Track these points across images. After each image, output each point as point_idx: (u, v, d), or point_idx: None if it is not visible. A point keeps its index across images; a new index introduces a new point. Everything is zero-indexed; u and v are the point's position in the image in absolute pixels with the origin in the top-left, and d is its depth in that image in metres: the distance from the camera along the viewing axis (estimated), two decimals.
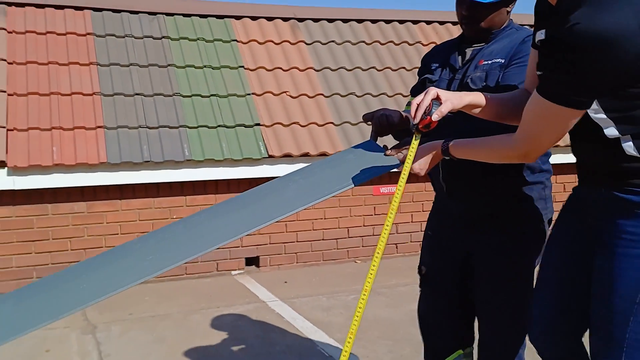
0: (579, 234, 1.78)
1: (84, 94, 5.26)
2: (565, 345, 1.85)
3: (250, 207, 2.05)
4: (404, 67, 6.49)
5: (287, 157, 5.43)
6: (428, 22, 7.02)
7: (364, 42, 6.64)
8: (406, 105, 2.36)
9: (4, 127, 4.80)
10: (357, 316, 1.66)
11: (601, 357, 1.64)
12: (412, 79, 5.84)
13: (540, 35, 1.66)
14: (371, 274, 1.69)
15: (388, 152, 1.99)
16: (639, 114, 1.53)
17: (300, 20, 6.62)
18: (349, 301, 4.66)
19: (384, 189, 6.03)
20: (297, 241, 5.82)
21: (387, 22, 6.88)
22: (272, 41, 6.30)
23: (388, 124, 2.11)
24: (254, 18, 6.44)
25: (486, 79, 2.07)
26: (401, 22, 6.94)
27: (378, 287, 5.04)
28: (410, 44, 6.75)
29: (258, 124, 5.55)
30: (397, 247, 6.09)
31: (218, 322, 4.22)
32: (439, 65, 2.26)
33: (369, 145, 2.12)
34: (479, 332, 2.28)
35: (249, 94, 5.75)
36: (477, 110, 1.86)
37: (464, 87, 2.11)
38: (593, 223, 1.70)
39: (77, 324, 4.20)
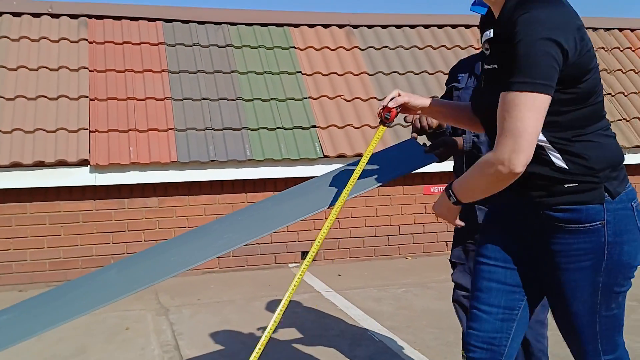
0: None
1: (156, 99, 5.75)
2: None
3: (309, 195, 2.40)
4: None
5: (341, 157, 5.76)
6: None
7: (416, 46, 6.91)
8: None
9: (87, 129, 5.33)
10: (275, 321, 1.87)
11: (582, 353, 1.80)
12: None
13: (488, 34, 1.74)
14: (300, 275, 1.90)
15: (426, 149, 2.31)
16: (563, 120, 1.62)
17: (355, 27, 6.95)
18: (398, 293, 4.95)
19: (434, 188, 6.28)
20: (350, 237, 6.15)
21: (440, 27, 7.13)
22: (328, 47, 6.66)
23: (427, 125, 2.43)
24: (311, 26, 6.82)
25: None
26: (453, 26, 7.18)
27: (428, 281, 5.32)
28: (462, 48, 6.97)
29: (314, 126, 5.91)
30: (446, 245, 6.33)
31: (277, 308, 4.59)
32: (465, 75, 2.56)
33: (410, 144, 2.45)
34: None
35: (305, 98, 6.12)
36: (438, 114, 2.08)
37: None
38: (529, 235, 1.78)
39: (152, 307, 4.66)
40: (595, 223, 1.65)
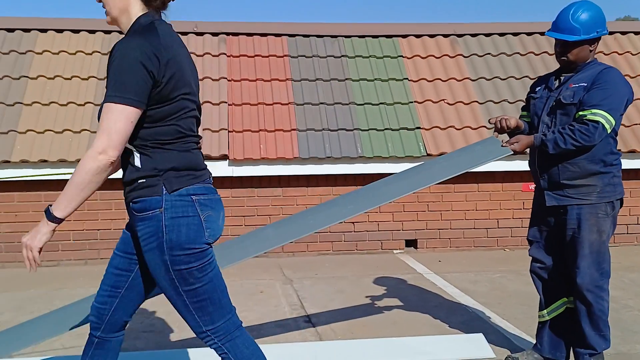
0: None
1: (282, 104, 6.68)
2: None
3: (411, 179, 3.17)
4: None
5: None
6: None
7: (518, 53, 7.38)
8: (521, 110, 3.37)
9: (226, 129, 6.35)
10: None
11: None
12: None
13: None
14: None
15: (503, 143, 2.99)
16: (142, 133, 2.03)
17: (459, 35, 7.54)
18: (494, 278, 5.51)
19: (532, 185, 6.73)
20: (451, 228, 6.76)
21: (542, 34, 7.54)
22: (433, 55, 7.31)
23: (505, 126, 3.11)
24: (418, 36, 7.50)
25: (573, 97, 2.98)
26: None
27: (523, 269, 5.73)
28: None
29: (419, 127, 6.58)
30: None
31: (383, 283, 5.33)
32: (541, 88, 3.21)
33: (491, 140, 3.14)
34: (573, 278, 3.11)
35: (411, 102, 6.81)
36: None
37: (557, 101, 3.04)
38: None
39: (279, 278, 5.57)
40: (154, 210, 2.04)
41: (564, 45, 3.06)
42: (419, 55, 7.30)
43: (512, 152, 3.11)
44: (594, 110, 2.94)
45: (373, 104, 6.79)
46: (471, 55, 7.33)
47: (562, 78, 3.16)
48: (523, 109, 3.45)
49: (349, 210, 3.05)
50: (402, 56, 7.28)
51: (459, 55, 7.34)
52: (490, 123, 3.27)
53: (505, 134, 3.28)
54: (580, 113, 2.98)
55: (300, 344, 3.83)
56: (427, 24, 7.60)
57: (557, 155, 3.04)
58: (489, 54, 7.33)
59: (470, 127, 6.64)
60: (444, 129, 6.62)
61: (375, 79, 7.02)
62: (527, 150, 3.20)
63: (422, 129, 6.60)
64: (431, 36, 7.51)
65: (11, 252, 6.14)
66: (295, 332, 4.09)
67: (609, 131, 2.95)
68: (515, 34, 7.53)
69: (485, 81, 7.07)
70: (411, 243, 6.78)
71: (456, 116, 6.74)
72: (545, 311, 3.31)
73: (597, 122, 2.92)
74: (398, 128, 6.59)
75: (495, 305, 4.65)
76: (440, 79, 7.07)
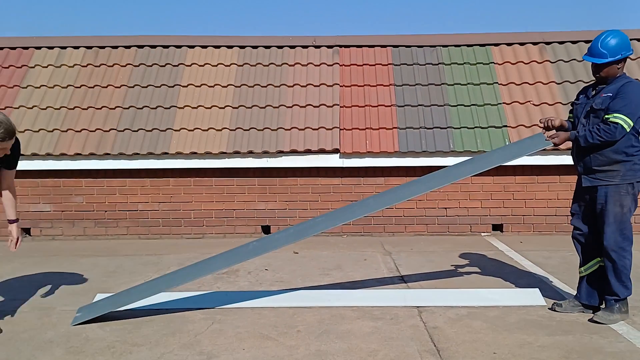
0: None
1: (385, 106, 7.84)
2: None
3: (476, 163, 4.27)
4: (636, 79, 7.76)
5: None
6: None
7: None
8: (569, 113, 4.32)
9: (338, 128, 7.61)
10: None
11: None
12: None
13: None
14: None
15: (547, 138, 4.01)
16: None
17: (548, 43, 8.33)
18: (566, 256, 6.31)
19: None
20: (534, 215, 7.61)
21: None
22: (522, 61, 8.16)
23: (551, 125, 4.10)
24: (509, 44, 8.38)
25: (602, 104, 3.93)
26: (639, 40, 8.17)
27: None
28: (632, 59, 7.96)
29: (505, 126, 7.49)
30: None
31: (468, 257, 6.33)
32: (582, 96, 4.17)
33: (538, 136, 4.16)
34: (601, 241, 4.04)
35: (500, 103, 7.72)
36: None
37: (591, 107, 3.99)
38: None
39: (379, 250, 6.74)
40: None
41: (596, 66, 4.02)
42: (509, 62, 8.19)
43: (553, 145, 4.11)
44: (615, 114, 3.87)
45: (465, 105, 7.77)
46: (557, 60, 8.10)
47: (598, 89, 4.11)
48: (570, 112, 4.40)
49: (425, 187, 4.19)
50: (493, 62, 8.19)
51: (546, 61, 8.14)
52: (540, 122, 4.27)
53: (553, 131, 4.27)
54: (606, 116, 3.92)
55: (393, 290, 4.99)
56: (518, 33, 8.45)
57: (589, 148, 3.99)
58: (574, 59, 8.07)
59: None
60: (529, 127, 7.47)
61: (468, 83, 7.99)
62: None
63: (508, 127, 7.49)
64: (521, 44, 8.36)
65: (167, 226, 7.75)
66: (391, 286, 5.24)
67: (627, 130, 3.86)
68: None
69: (570, 84, 7.83)
70: (497, 227, 7.70)
71: (541, 115, 7.54)
72: (582, 268, 4.25)
73: (617, 123, 3.85)
74: (487, 126, 7.53)
75: (560, 273, 5.55)
76: (527, 83, 7.92)
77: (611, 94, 3.94)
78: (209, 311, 4.49)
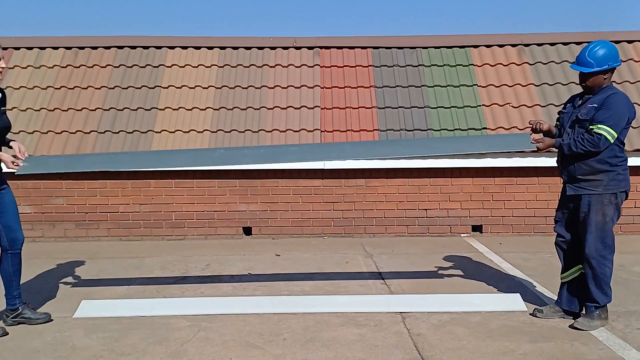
0: None
1: (366, 107, 7.89)
2: None
3: (457, 143, 4.43)
4: (614, 81, 7.90)
5: (506, 154, 7.37)
6: None
7: None
8: (556, 120, 4.39)
9: (319, 129, 7.64)
10: None
11: None
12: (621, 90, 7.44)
13: None
14: None
15: (532, 140, 4.11)
16: None
17: (526, 45, 8.45)
18: (544, 257, 6.44)
19: None
20: (513, 216, 7.74)
21: None
22: (501, 63, 8.27)
23: (539, 128, 4.19)
24: (488, 46, 8.48)
25: (587, 114, 4.01)
26: (617, 42, 8.31)
27: None
28: (623, 61, 8.10)
29: (485, 128, 7.58)
30: None
31: (448, 259, 6.43)
32: (569, 105, 4.25)
33: (524, 136, 4.28)
34: (583, 249, 4.14)
35: (479, 105, 7.82)
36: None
37: (577, 116, 4.07)
38: None
39: (361, 253, 6.80)
40: None
41: (582, 75, 4.10)
42: (488, 64, 8.29)
43: (537, 149, 4.22)
44: (599, 125, 3.96)
45: (445, 107, 7.85)
46: (536, 62, 8.23)
47: (584, 99, 4.19)
48: (557, 119, 4.48)
49: (405, 151, 4.43)
50: (473, 64, 8.29)
51: (525, 63, 8.26)
52: (530, 123, 4.37)
53: (540, 135, 4.36)
54: (590, 127, 4.01)
55: (376, 295, 5.05)
56: (497, 35, 8.55)
57: (573, 157, 4.08)
58: (552, 61, 8.20)
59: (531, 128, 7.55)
60: (508, 129, 7.57)
61: (448, 85, 8.08)
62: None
63: (488, 129, 7.59)
64: (500, 46, 8.47)
65: (148, 228, 7.72)
66: (373, 289, 5.30)
67: (611, 141, 3.96)
68: (578, 43, 8.34)
69: (548, 86, 7.96)
70: (477, 228, 7.81)
71: (519, 118, 7.68)
72: (564, 274, 4.35)
73: (600, 134, 3.94)
74: (467, 128, 7.62)
75: (538, 276, 5.66)
76: (506, 85, 8.03)
77: (596, 105, 4.02)
78: (194, 318, 4.50)
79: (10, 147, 4.22)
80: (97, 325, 4.35)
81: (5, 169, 4.21)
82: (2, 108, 4.18)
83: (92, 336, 4.14)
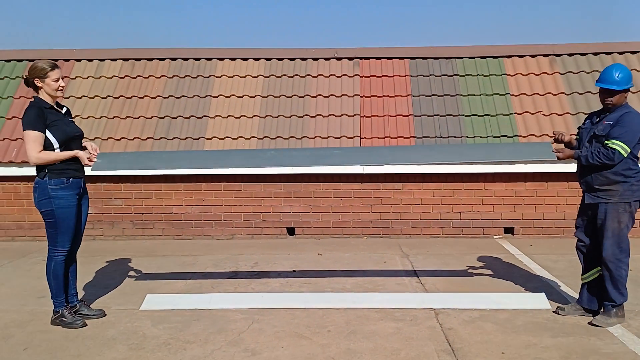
0: None
1: (403, 115, 8.33)
2: None
3: (485, 150, 4.87)
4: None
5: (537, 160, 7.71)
6: None
7: None
8: (576, 135, 4.78)
9: (359, 137, 8.11)
10: None
11: None
12: None
13: None
14: None
15: (553, 150, 4.52)
16: None
17: (558, 55, 8.76)
18: (573, 259, 6.69)
19: None
20: (544, 219, 8.08)
21: (633, 53, 8.58)
22: (533, 73, 8.61)
23: (561, 139, 4.61)
24: (520, 56, 8.82)
25: (604, 130, 4.40)
26: (621, 53, 8.60)
27: None
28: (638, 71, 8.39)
29: (517, 135, 7.94)
30: None
31: (481, 259, 6.83)
32: (588, 121, 4.64)
33: (547, 145, 4.70)
34: (601, 252, 4.53)
35: (512, 114, 8.18)
36: None
37: (595, 132, 4.46)
38: None
39: (398, 253, 7.26)
40: None
41: (610, 92, 4.48)
42: (520, 73, 8.63)
43: (557, 158, 4.63)
44: (614, 141, 4.35)
45: (479, 115, 8.24)
46: (567, 72, 8.54)
47: (602, 116, 4.58)
48: (577, 134, 4.87)
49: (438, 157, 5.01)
50: (505, 74, 8.65)
51: (556, 72, 8.58)
52: (553, 134, 4.78)
53: (561, 145, 4.77)
54: (606, 142, 4.40)
55: (411, 293, 5.51)
56: (529, 46, 8.88)
57: (590, 168, 4.48)
58: (583, 71, 8.50)
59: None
60: (539, 136, 7.92)
61: (482, 94, 8.45)
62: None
63: (519, 136, 7.95)
64: (532, 56, 8.80)
65: (199, 228, 8.32)
66: (409, 287, 5.76)
67: (625, 156, 4.34)
68: (607, 53, 8.62)
69: (578, 95, 8.26)
70: (509, 230, 8.18)
71: (550, 125, 8.01)
72: (584, 276, 4.76)
73: (614, 149, 4.33)
74: (499, 135, 7.99)
75: (565, 277, 6.04)
76: (538, 94, 8.36)
77: (612, 122, 4.42)
78: (247, 311, 5.03)
79: (86, 149, 4.76)
80: (162, 316, 4.92)
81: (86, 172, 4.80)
82: (70, 118, 4.76)
83: (159, 326, 4.70)
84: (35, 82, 4.51)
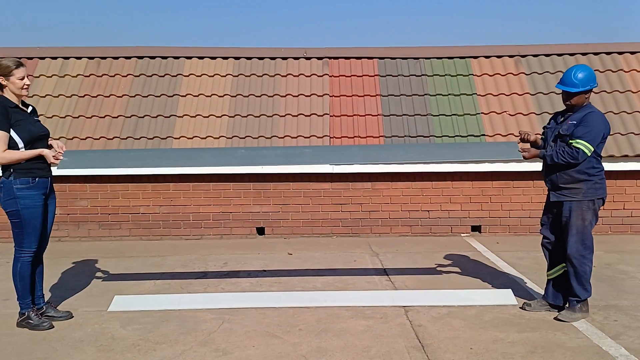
0: None
1: (372, 115, 8.39)
2: None
3: (455, 150, 4.96)
4: (604, 90, 8.40)
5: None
6: (632, 53, 8.76)
7: None
8: (541, 134, 4.88)
9: (328, 136, 8.14)
10: None
11: None
12: (612, 100, 7.98)
13: None
14: None
15: (519, 149, 4.61)
16: None
17: (523, 56, 8.93)
18: (538, 256, 6.86)
19: None
20: (510, 217, 8.23)
21: (595, 54, 8.81)
22: (499, 73, 8.76)
23: (526, 139, 4.70)
24: (487, 57, 8.96)
25: (567, 130, 4.50)
26: (608, 53, 8.80)
27: None
28: (613, 71, 8.60)
29: (484, 134, 8.07)
30: None
31: (449, 257, 6.93)
32: (553, 121, 4.74)
33: (513, 145, 4.77)
34: (565, 249, 4.64)
35: (478, 113, 8.31)
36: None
37: (559, 132, 4.56)
38: None
39: (367, 251, 7.30)
40: None
41: (567, 94, 4.59)
42: (487, 74, 8.77)
43: (523, 158, 4.72)
44: (577, 140, 4.46)
45: (446, 115, 8.34)
46: (532, 73, 8.72)
47: (566, 116, 4.68)
48: (542, 133, 4.97)
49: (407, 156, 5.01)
50: (472, 74, 8.78)
51: (521, 73, 8.74)
52: (519, 133, 4.87)
53: (527, 145, 4.86)
54: (570, 141, 4.51)
55: (382, 291, 5.56)
56: (495, 46, 9.03)
57: (555, 167, 4.58)
58: (547, 71, 8.68)
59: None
60: (505, 135, 8.06)
61: (449, 94, 8.57)
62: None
63: (486, 135, 8.08)
64: (498, 57, 8.96)
65: (167, 228, 8.24)
66: (379, 285, 5.80)
67: (588, 155, 4.45)
68: (571, 54, 8.83)
69: (543, 95, 8.44)
70: (476, 228, 8.30)
71: (515, 125, 8.16)
72: (549, 272, 4.86)
73: (578, 148, 4.44)
74: (466, 135, 8.11)
75: (531, 274, 6.16)
76: (504, 94, 8.51)
77: (575, 122, 4.52)
78: (217, 311, 5.00)
79: (52, 147, 4.66)
80: (131, 318, 4.86)
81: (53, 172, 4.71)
82: (36, 118, 4.67)
83: (128, 327, 4.64)
84: (0, 80, 4.40)
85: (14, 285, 4.58)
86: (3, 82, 4.41)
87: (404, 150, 5.52)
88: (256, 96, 8.61)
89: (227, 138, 8.14)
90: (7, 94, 4.44)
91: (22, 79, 4.43)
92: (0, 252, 7.33)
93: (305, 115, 8.39)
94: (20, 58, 8.80)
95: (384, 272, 6.31)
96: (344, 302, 5.17)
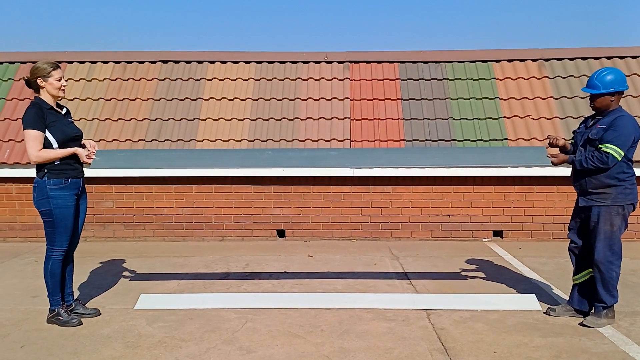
0: None
1: (393, 119, 8.40)
2: None
3: (481, 154, 4.93)
4: (630, 95, 8.32)
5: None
6: None
7: None
8: (571, 139, 4.86)
9: (349, 139, 8.17)
10: None
11: None
12: (638, 104, 7.88)
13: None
14: None
15: (548, 155, 4.59)
16: None
17: (546, 60, 8.89)
18: (561, 262, 6.88)
19: None
20: (532, 222, 8.17)
21: (621, 57, 8.73)
22: (522, 77, 8.72)
23: (555, 143, 4.69)
24: (509, 61, 8.93)
25: (597, 134, 4.49)
26: (634, 57, 8.72)
27: None
28: (627, 75, 8.52)
29: (506, 139, 8.05)
30: None
31: (470, 262, 6.91)
32: (582, 126, 4.73)
33: (542, 150, 4.76)
34: (593, 254, 4.61)
35: (501, 117, 8.28)
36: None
37: (589, 136, 4.54)
38: None
39: (388, 255, 7.31)
40: None
41: (591, 96, 4.57)
42: (509, 77, 8.74)
43: (552, 164, 4.69)
44: (607, 145, 4.43)
45: (468, 119, 8.33)
46: (556, 77, 8.67)
47: (595, 120, 4.66)
48: (572, 138, 4.94)
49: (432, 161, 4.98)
50: (494, 78, 8.75)
51: (544, 77, 8.70)
52: (547, 138, 4.85)
53: (556, 150, 4.84)
54: (600, 145, 4.48)
55: (403, 294, 5.57)
56: (518, 50, 9.00)
57: (584, 172, 4.55)
58: (571, 75, 8.63)
59: None
60: (528, 140, 8.03)
61: (471, 98, 8.55)
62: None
63: (509, 140, 8.06)
64: (521, 60, 8.92)
65: (190, 230, 8.33)
66: (400, 289, 5.81)
67: (619, 159, 4.41)
68: (596, 58, 8.76)
69: (567, 99, 8.39)
70: (498, 233, 8.27)
71: (539, 130, 8.12)
72: (575, 277, 4.83)
73: (608, 153, 4.41)
74: (488, 139, 8.09)
75: (554, 279, 6.12)
76: (527, 98, 8.48)
77: (605, 126, 4.49)
78: (240, 310, 5.05)
79: (85, 147, 4.74)
80: (157, 316, 4.93)
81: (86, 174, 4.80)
82: (70, 119, 4.78)
83: (154, 325, 4.71)
84: (38, 81, 4.53)
85: (44, 282, 4.69)
86: (41, 84, 4.53)
87: (428, 155, 5.50)
88: (278, 100, 8.68)
89: (249, 141, 8.21)
90: (44, 95, 4.57)
91: (60, 80, 4.57)
92: (29, 251, 7.46)
93: (326, 119, 8.43)
94: None
95: (405, 275, 6.31)
96: (365, 304, 5.19)
